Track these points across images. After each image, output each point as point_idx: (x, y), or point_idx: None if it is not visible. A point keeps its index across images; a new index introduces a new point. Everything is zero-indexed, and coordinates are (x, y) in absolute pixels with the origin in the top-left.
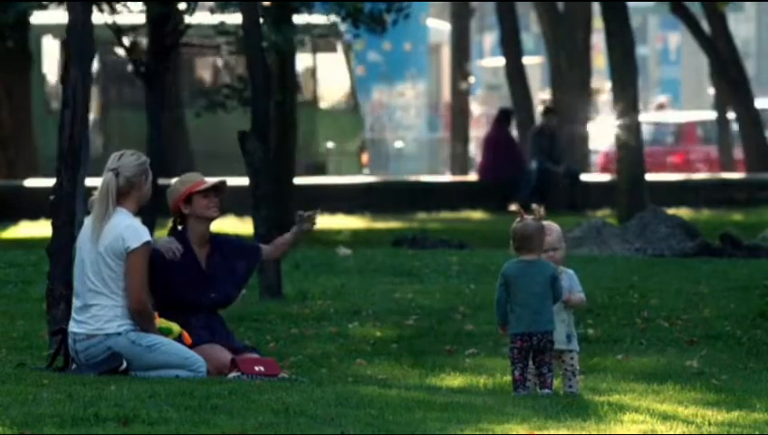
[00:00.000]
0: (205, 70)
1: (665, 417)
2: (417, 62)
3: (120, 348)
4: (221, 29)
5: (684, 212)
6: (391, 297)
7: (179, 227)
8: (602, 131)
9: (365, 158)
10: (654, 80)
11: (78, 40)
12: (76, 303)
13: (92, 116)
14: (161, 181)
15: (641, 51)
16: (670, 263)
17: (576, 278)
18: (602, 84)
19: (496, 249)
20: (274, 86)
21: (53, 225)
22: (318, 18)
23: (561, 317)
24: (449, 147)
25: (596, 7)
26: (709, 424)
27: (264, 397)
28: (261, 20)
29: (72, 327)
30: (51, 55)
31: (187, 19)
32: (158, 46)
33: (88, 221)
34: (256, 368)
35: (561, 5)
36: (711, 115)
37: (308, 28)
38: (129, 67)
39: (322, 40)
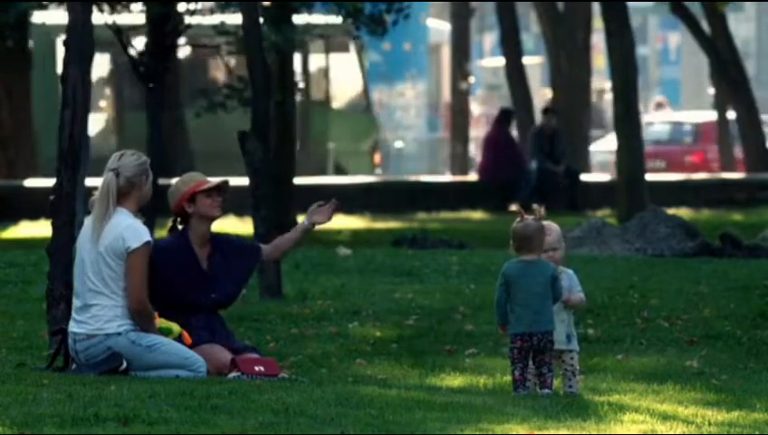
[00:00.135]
0: (205, 70)
1: (665, 417)
2: (417, 62)
3: (120, 348)
4: (221, 29)
5: (684, 212)
6: (391, 297)
7: (179, 227)
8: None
9: (377, 158)
10: (654, 80)
11: (78, 40)
12: (76, 303)
13: (107, 116)
14: (161, 181)
15: (641, 51)
16: (670, 263)
17: (576, 278)
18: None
19: (496, 249)
20: (274, 86)
21: (53, 225)
22: (331, 18)
23: (560, 317)
24: (449, 147)
25: (596, 7)
26: (709, 424)
27: (264, 397)
28: (261, 20)
29: (72, 327)
30: None
31: (187, 19)
32: (158, 46)
33: (88, 221)
34: (256, 368)
35: (561, 5)
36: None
37: (320, 28)
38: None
39: (335, 40)
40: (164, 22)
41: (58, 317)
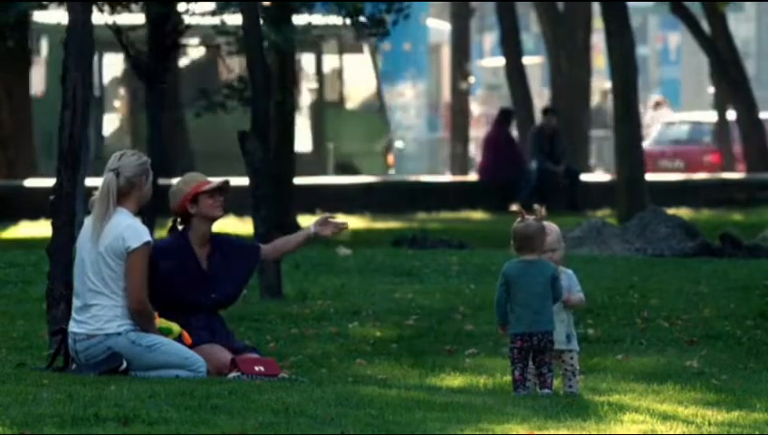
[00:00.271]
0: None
1: (665, 417)
2: (417, 62)
3: (120, 348)
4: (221, 29)
5: (684, 212)
6: (391, 297)
7: (179, 227)
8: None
9: (391, 158)
10: (654, 80)
11: (78, 40)
12: (76, 303)
13: (121, 116)
14: (161, 181)
15: (641, 51)
16: (670, 263)
17: (575, 278)
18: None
19: (496, 249)
20: (274, 86)
21: (53, 225)
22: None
23: (560, 317)
24: (449, 147)
25: (596, 7)
26: (709, 424)
27: (264, 397)
28: (261, 20)
29: (72, 327)
30: None
31: (187, 19)
32: (158, 46)
33: (88, 221)
34: (256, 368)
35: (561, 5)
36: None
37: (334, 29)
38: None
39: (349, 41)
40: (164, 22)
41: (58, 317)
